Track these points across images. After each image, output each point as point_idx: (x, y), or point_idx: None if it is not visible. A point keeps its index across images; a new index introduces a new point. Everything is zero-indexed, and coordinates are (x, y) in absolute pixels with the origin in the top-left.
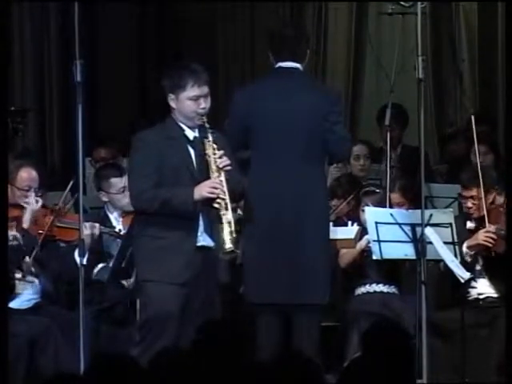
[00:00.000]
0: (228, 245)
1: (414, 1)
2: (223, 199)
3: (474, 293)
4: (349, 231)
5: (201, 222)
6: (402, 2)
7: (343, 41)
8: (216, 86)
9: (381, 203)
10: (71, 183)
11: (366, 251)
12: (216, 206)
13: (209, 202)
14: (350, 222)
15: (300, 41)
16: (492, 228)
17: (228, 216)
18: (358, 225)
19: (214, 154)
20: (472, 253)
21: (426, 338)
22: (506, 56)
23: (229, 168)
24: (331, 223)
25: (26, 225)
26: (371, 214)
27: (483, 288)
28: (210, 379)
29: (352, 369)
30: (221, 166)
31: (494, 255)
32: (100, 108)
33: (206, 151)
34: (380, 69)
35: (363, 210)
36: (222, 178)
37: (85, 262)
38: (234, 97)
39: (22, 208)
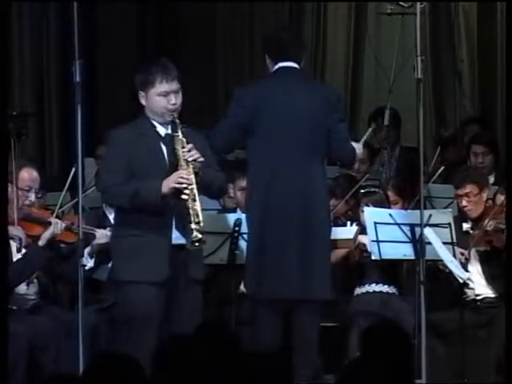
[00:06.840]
0: (194, 233)
1: (413, 1)
2: (191, 190)
3: (471, 294)
4: (348, 231)
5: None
6: (401, 3)
7: (342, 41)
8: (215, 86)
9: (380, 203)
10: (70, 178)
11: (366, 251)
12: (184, 197)
13: (177, 193)
14: (348, 223)
15: (296, 44)
16: None
17: (195, 207)
18: (357, 225)
19: (183, 148)
20: (466, 253)
21: (425, 338)
22: (506, 56)
23: (198, 162)
24: None
25: (42, 242)
26: (370, 214)
27: (480, 288)
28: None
29: (351, 369)
30: (190, 159)
31: (492, 249)
32: (100, 108)
33: (175, 146)
34: (379, 69)
35: (363, 211)
36: (191, 170)
37: (92, 264)
38: (237, 94)
39: (46, 227)
